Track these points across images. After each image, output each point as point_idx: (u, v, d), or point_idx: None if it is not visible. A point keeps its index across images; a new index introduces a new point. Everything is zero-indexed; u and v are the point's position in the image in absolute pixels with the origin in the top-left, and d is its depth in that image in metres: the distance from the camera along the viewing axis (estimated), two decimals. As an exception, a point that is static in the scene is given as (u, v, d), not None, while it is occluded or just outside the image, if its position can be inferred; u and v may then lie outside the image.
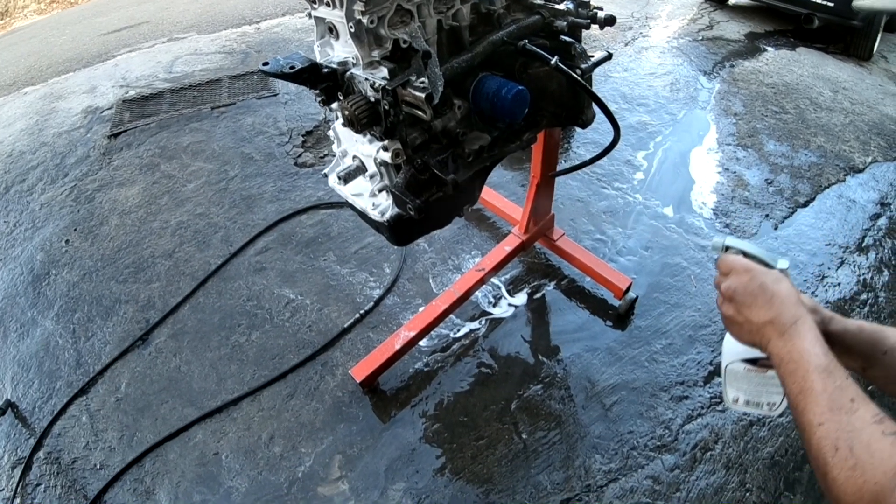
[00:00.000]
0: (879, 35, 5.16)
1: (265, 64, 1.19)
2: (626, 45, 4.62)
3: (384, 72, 1.20)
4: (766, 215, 2.83)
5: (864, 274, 2.55)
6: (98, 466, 1.95)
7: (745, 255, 0.86)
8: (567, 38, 1.47)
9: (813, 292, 2.43)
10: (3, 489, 1.96)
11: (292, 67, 1.19)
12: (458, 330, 2.22)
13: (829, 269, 2.56)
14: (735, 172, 3.12)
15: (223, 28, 5.06)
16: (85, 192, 3.16)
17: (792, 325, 0.75)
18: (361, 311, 2.29)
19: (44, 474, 1.97)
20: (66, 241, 2.87)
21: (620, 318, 2.26)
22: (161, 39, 5.01)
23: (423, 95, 1.17)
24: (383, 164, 1.34)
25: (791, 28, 5.40)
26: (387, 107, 1.21)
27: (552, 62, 1.32)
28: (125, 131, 3.53)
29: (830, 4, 4.71)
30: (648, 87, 3.92)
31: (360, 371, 1.97)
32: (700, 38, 4.88)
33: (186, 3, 6.33)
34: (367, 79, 1.22)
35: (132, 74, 4.28)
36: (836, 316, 0.86)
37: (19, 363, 2.34)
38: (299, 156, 3.21)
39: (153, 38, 5.09)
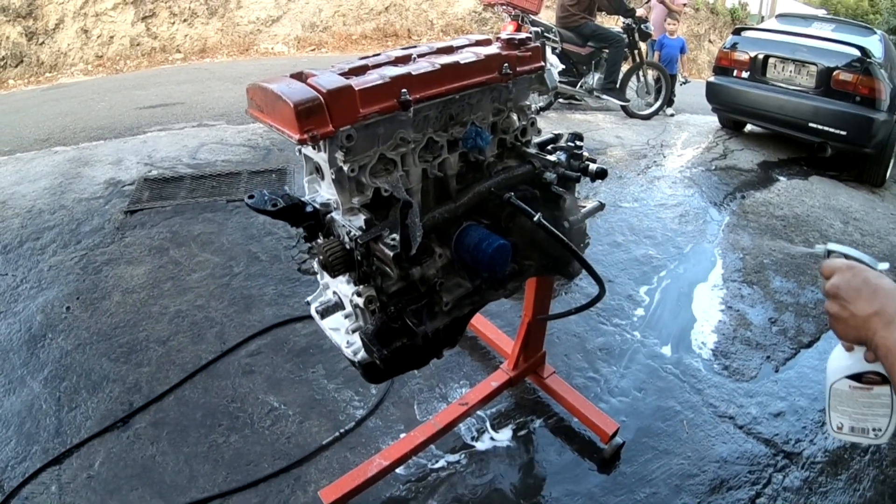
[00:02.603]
0: (892, 161, 5.24)
1: (250, 197, 1.23)
2: (639, 174, 4.71)
3: (361, 220, 1.22)
4: (768, 357, 2.77)
5: (866, 421, 2.47)
6: (60, 540, 1.90)
7: (847, 258, 0.92)
8: (558, 190, 1.49)
9: (811, 440, 2.34)
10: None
11: (275, 205, 1.22)
12: (437, 461, 2.16)
13: (831, 415, 2.48)
14: (738, 311, 3.09)
15: (252, 121, 5.18)
16: (93, 263, 3.21)
17: None
18: (342, 430, 2.24)
19: (5, 534, 1.93)
20: (67, 308, 2.90)
21: (605, 462, 2.19)
22: (191, 123, 5.22)
23: (391, 255, 1.18)
24: (357, 306, 1.34)
25: (805, 156, 5.49)
26: (359, 257, 1.22)
27: (535, 219, 1.33)
28: (141, 210, 3.62)
29: (843, 133, 4.84)
30: (657, 219, 3.95)
31: (329, 493, 1.89)
32: (713, 167, 4.98)
33: (222, 90, 6.64)
34: (343, 225, 1.24)
35: (158, 154, 4.43)
36: None
37: (1, 419, 2.33)
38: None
39: (184, 121, 5.30)
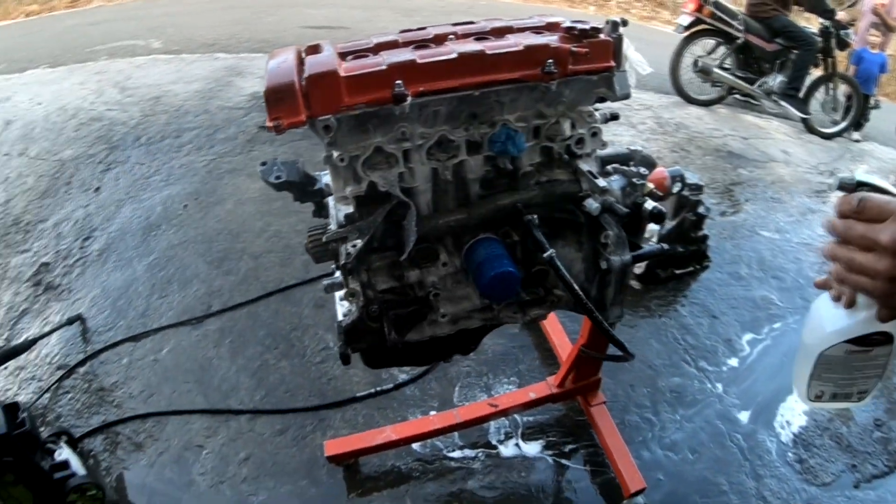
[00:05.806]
0: None
1: (263, 164, 1.22)
2: (794, 201, 4.10)
3: (346, 212, 1.14)
4: (854, 465, 2.29)
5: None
6: (115, 404, 2.24)
7: (880, 191, 0.67)
8: (604, 220, 1.22)
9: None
10: (42, 382, 2.34)
11: (278, 178, 1.19)
12: (454, 450, 2.10)
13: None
14: (844, 398, 2.67)
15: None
16: (218, 170, 3.47)
17: None
18: (377, 388, 2.27)
19: (75, 388, 2.31)
20: (185, 206, 3.18)
21: (621, 517, 1.98)
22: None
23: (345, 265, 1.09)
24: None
25: None
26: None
27: (545, 255, 1.12)
28: (276, 128, 3.80)
29: None
30: (795, 260, 3.39)
31: (334, 446, 1.95)
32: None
33: (390, 19, 6.65)
34: (331, 213, 1.20)
35: (309, 75, 4.58)
36: None
37: (103, 289, 2.69)
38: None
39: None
